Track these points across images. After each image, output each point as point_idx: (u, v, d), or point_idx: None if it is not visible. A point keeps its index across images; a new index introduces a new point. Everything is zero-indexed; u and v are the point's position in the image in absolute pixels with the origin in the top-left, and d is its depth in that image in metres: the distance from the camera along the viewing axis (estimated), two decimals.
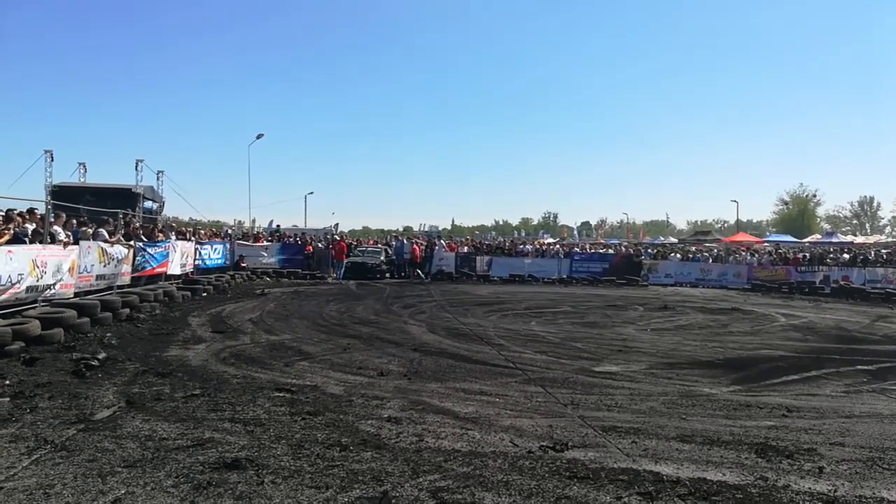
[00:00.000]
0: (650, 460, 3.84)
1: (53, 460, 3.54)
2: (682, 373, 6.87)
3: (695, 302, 16.45)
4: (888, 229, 67.14)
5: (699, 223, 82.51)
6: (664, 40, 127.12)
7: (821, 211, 63.76)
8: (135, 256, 12.13)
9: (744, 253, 28.68)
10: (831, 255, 25.97)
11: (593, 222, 79.56)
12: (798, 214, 58.45)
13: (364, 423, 4.51)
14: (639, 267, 24.67)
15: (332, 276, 21.56)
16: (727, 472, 3.65)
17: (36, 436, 3.96)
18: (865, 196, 69.30)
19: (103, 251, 10.64)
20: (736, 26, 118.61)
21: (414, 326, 10.20)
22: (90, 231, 11.36)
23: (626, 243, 37.30)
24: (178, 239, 15.64)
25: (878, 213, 70.16)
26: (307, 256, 22.67)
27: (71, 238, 10.07)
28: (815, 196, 61.70)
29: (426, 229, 59.64)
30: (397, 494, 3.16)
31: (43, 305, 8.53)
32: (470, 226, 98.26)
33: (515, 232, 72.50)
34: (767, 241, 33.92)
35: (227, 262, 19.44)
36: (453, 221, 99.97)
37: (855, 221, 69.01)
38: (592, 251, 28.80)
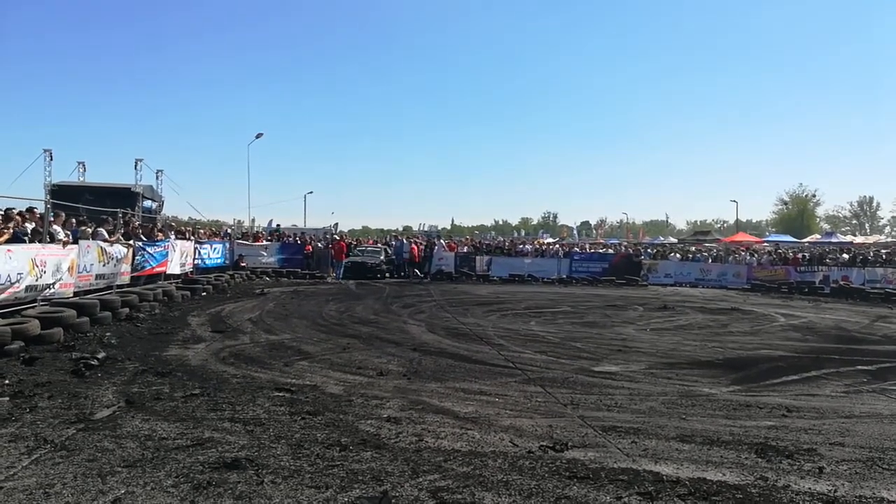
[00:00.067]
0: (650, 460, 3.84)
1: (53, 460, 3.53)
2: (681, 373, 6.87)
3: (694, 302, 16.45)
4: (888, 229, 67.23)
5: (699, 223, 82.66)
6: (664, 40, 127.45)
7: (820, 211, 63.95)
8: (134, 256, 12.13)
9: (743, 253, 28.68)
10: (831, 255, 25.98)
11: (593, 222, 79.75)
12: (797, 214, 58.50)
13: (364, 422, 4.50)
14: (638, 267, 24.66)
15: (332, 276, 21.54)
16: (727, 472, 3.65)
17: (35, 435, 3.96)
18: (865, 196, 69.54)
19: (103, 250, 10.64)
20: (736, 26, 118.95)
21: (413, 326, 10.20)
22: (89, 230, 11.35)
23: (625, 243, 37.29)
24: (177, 238, 15.64)
25: (878, 213, 70.40)
26: (307, 256, 22.65)
27: (70, 237, 10.07)
28: (814, 196, 61.84)
29: (426, 229, 59.50)
30: (397, 494, 3.15)
31: (42, 305, 8.52)
32: (470, 226, 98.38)
33: (515, 232, 72.47)
34: (767, 241, 33.97)
35: (227, 262, 19.43)
36: (453, 221, 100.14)
37: (854, 221, 69.08)
38: (592, 251, 28.77)
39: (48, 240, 9.19)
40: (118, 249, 11.30)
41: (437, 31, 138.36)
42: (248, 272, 19.55)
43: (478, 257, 24.23)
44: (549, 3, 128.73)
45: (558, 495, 3.22)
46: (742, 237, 34.53)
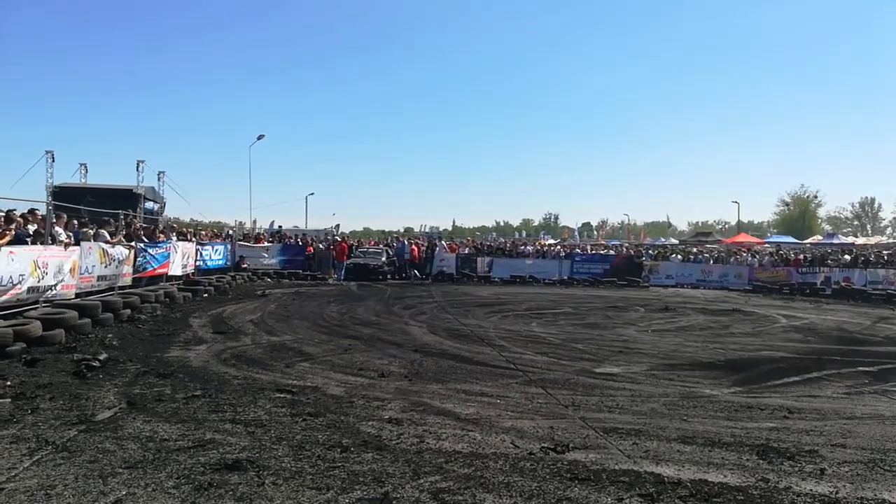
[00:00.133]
0: (651, 462, 3.84)
1: (54, 461, 3.54)
2: (683, 374, 6.87)
3: (696, 303, 16.44)
4: (889, 230, 67.08)
5: (700, 224, 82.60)
6: (664, 40, 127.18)
7: (822, 212, 63.86)
8: (136, 257, 12.15)
9: (745, 254, 28.65)
10: (832, 257, 25.94)
11: (594, 223, 79.57)
12: (799, 215, 58.47)
13: (365, 424, 4.51)
14: (640, 268, 24.65)
15: (333, 277, 21.56)
16: (728, 474, 3.65)
17: (37, 437, 3.97)
18: (866, 197, 69.45)
19: (104, 252, 10.66)
20: (736, 26, 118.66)
21: (415, 327, 10.21)
22: (91, 232, 11.38)
23: (626, 244, 37.30)
24: (179, 240, 15.67)
25: (880, 214, 70.23)
26: (308, 257, 22.66)
27: (72, 239, 10.09)
28: (815, 197, 61.78)
29: (427, 230, 59.61)
30: (398, 496, 3.15)
31: (44, 306, 8.54)
32: (471, 227, 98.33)
33: (516, 233, 72.47)
34: (768, 243, 33.93)
35: (228, 263, 19.45)
36: (454, 222, 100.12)
37: (856, 222, 68.97)
38: (593, 252, 28.82)
39: (50, 241, 9.21)
40: (120, 251, 11.32)
41: (437, 31, 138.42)
42: (250, 273, 19.57)
43: (479, 258, 24.25)
44: (549, 3, 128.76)
45: (559, 497, 3.22)
46: (743, 238, 34.51)
